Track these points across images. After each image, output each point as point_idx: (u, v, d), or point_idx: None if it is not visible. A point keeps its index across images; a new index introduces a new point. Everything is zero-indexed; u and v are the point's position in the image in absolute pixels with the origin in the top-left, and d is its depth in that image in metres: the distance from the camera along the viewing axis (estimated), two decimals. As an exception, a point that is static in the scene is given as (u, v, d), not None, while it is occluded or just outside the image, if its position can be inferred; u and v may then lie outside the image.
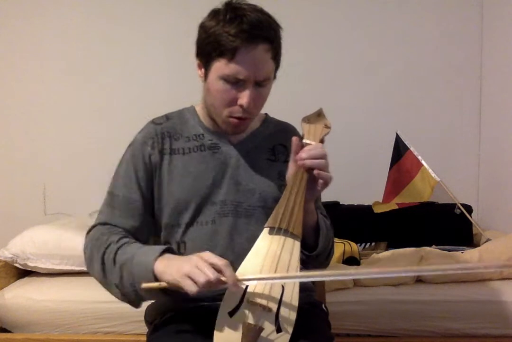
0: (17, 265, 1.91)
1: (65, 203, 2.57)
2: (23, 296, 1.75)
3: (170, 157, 1.14)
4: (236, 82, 1.04)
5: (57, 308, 1.72)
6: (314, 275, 0.98)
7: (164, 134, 1.15)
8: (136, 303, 1.05)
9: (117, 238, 1.06)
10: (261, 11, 1.05)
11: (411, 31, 2.62)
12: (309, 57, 2.57)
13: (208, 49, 1.04)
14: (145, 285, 0.94)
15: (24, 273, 1.96)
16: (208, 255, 0.92)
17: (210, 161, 1.14)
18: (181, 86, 2.49)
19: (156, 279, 0.95)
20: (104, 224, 1.11)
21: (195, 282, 0.88)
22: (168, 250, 1.01)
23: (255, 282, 0.94)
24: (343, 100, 2.59)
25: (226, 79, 1.03)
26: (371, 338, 1.68)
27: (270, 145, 1.20)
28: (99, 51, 2.59)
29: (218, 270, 0.89)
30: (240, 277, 0.91)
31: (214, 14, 1.05)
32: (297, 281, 0.97)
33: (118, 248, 1.03)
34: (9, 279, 1.89)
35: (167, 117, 1.20)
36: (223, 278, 0.89)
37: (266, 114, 1.27)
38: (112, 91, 2.60)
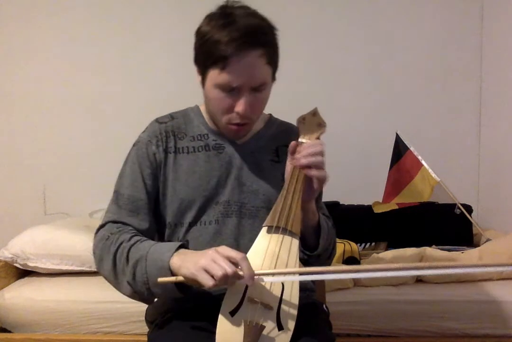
0: (17, 265, 1.90)
1: (65, 203, 2.56)
2: (23, 296, 1.75)
3: (175, 156, 1.14)
4: (231, 90, 1.03)
5: (57, 308, 1.72)
6: (328, 270, 0.98)
7: (168, 133, 1.16)
8: (148, 300, 1.05)
9: (129, 236, 1.06)
10: (253, 15, 1.04)
11: (411, 31, 2.62)
12: (309, 57, 2.57)
13: (203, 57, 1.04)
14: (161, 279, 0.93)
15: (24, 273, 1.95)
16: (225, 249, 0.92)
17: (215, 161, 1.14)
18: (183, 87, 2.47)
19: (173, 275, 0.94)
20: (113, 222, 1.11)
21: (212, 276, 0.88)
22: (183, 246, 1.00)
23: (271, 277, 0.93)
24: (343, 100, 2.59)
25: (220, 87, 1.03)
26: (371, 338, 1.68)
27: (274, 146, 1.20)
28: (100, 51, 2.59)
29: (235, 264, 0.89)
30: (256, 271, 0.90)
31: (209, 19, 1.04)
32: (312, 277, 0.97)
33: (131, 246, 1.03)
34: (9, 279, 1.88)
35: (171, 116, 1.20)
36: (240, 272, 0.88)
37: (270, 115, 1.27)
38: (112, 92, 2.59)
